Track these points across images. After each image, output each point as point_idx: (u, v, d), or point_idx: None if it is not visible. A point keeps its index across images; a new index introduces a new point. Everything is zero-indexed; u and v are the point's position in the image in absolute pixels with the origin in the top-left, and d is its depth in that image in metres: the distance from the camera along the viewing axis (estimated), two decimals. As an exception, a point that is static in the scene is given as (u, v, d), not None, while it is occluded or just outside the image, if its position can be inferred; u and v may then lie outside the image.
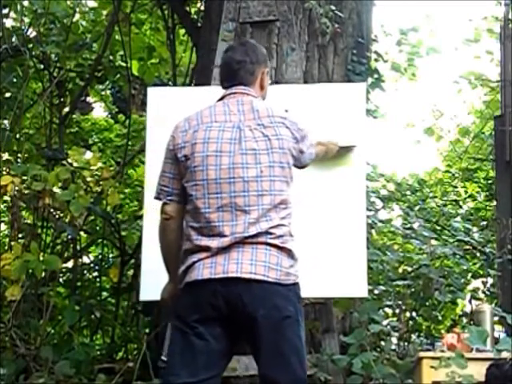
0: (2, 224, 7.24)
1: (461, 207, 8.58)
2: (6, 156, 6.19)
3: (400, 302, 5.71)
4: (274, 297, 2.98)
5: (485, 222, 8.10)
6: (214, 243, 3.00)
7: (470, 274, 7.07)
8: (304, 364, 3.05)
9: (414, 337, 5.86)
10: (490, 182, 8.56)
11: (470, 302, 6.52)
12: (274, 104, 3.28)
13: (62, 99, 7.08)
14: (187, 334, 3.00)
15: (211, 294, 2.98)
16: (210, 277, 2.98)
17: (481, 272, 7.20)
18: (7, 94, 6.78)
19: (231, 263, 2.97)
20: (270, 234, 3.01)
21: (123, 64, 7.17)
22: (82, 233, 6.51)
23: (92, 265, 7.30)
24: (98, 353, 6.10)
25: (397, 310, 5.84)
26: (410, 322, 5.82)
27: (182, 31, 7.58)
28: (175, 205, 3.18)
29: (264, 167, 3.07)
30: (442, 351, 4.55)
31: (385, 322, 5.28)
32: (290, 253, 3.06)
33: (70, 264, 6.73)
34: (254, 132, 3.12)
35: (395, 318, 5.82)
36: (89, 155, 5.47)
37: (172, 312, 3.17)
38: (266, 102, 3.33)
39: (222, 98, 3.28)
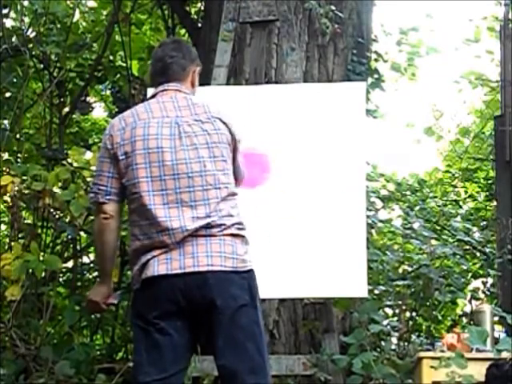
0: (2, 224, 7.24)
1: (461, 207, 8.56)
2: (6, 156, 6.19)
3: (400, 302, 5.71)
4: (230, 286, 2.98)
5: (485, 222, 8.09)
6: (166, 238, 2.98)
7: (470, 274, 7.07)
8: (263, 350, 3.01)
9: (413, 337, 5.85)
10: (490, 181, 8.54)
11: (469, 301, 6.52)
12: (209, 101, 3.23)
13: (62, 99, 7.07)
14: (149, 331, 2.99)
15: (169, 290, 2.97)
16: (167, 272, 2.96)
17: (481, 272, 7.20)
18: (7, 94, 6.78)
19: (187, 258, 2.97)
20: (222, 225, 3.01)
21: (123, 64, 7.17)
22: (82, 233, 6.50)
23: (92, 265, 7.28)
24: (98, 353, 6.09)
25: (397, 310, 5.84)
26: (410, 322, 5.82)
27: (182, 31, 7.59)
28: (115, 204, 3.14)
29: (206, 162, 3.06)
30: (442, 351, 4.55)
31: (385, 322, 5.28)
32: (243, 239, 3.07)
33: (70, 264, 6.73)
34: (193, 127, 3.10)
35: (395, 318, 5.82)
36: (89, 155, 5.44)
37: (131, 310, 3.15)
38: (200, 98, 3.28)
39: (154, 96, 3.24)
